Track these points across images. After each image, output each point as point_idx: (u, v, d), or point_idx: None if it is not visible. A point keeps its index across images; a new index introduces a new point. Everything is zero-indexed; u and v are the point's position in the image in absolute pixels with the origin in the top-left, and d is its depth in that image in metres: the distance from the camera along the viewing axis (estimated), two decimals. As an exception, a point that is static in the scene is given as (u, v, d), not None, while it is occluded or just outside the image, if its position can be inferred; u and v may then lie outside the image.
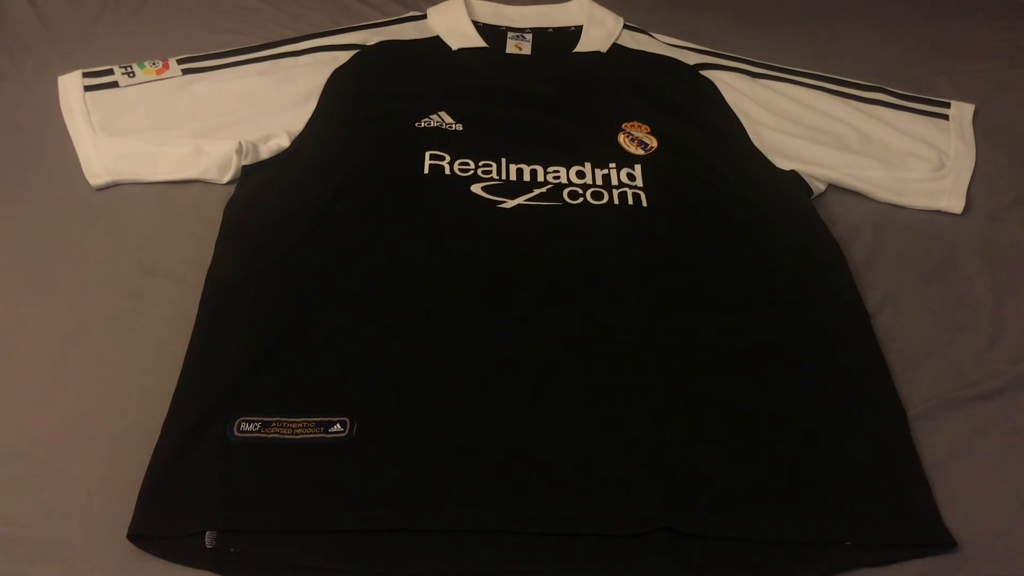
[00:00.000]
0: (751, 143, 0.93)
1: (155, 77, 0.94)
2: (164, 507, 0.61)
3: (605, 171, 0.88)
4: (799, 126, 0.95)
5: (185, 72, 0.95)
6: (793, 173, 0.90)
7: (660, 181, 0.88)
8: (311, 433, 0.65)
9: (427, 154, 0.88)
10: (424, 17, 1.04)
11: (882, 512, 0.64)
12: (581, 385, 0.70)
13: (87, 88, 0.93)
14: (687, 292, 0.78)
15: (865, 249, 0.86)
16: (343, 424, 0.66)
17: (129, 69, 0.95)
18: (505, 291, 0.76)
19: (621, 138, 0.92)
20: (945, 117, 1.00)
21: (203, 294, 0.75)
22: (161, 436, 0.65)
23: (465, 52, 1.00)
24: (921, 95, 1.02)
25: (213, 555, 0.60)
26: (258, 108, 0.91)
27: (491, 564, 0.61)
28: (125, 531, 0.61)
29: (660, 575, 0.62)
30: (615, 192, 0.86)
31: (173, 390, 0.68)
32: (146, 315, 0.76)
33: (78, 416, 0.68)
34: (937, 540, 0.63)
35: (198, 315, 0.73)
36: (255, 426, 0.65)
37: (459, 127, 0.91)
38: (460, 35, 1.01)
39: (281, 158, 0.87)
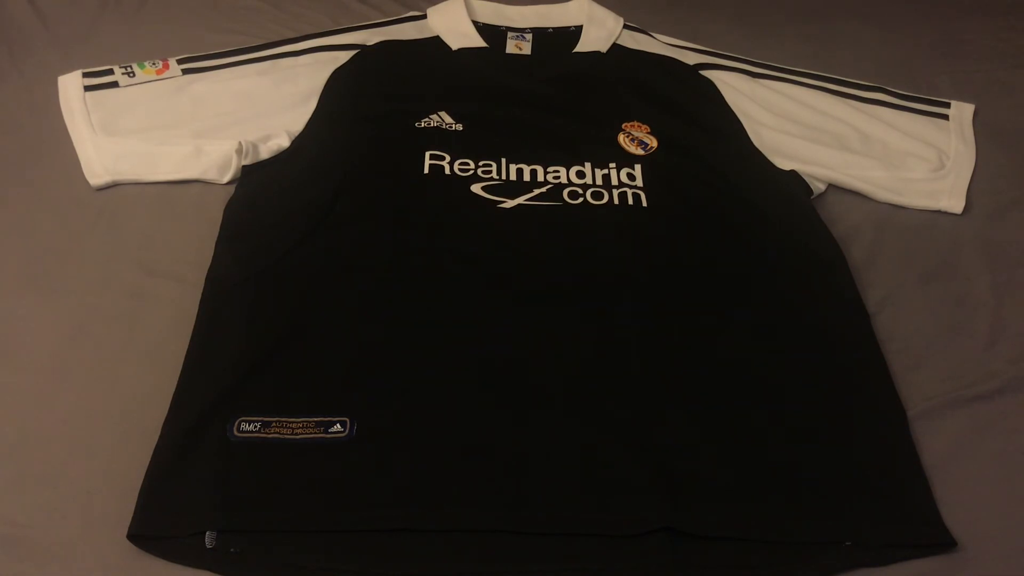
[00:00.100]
0: (751, 143, 0.93)
1: (155, 77, 0.94)
2: (164, 507, 0.61)
3: (605, 171, 0.88)
4: (799, 126, 0.95)
5: (185, 72, 0.95)
6: (793, 173, 0.90)
7: (660, 181, 0.88)
8: (311, 433, 0.65)
9: (427, 154, 0.88)
10: (424, 17, 1.04)
11: (882, 512, 0.64)
12: (581, 385, 0.70)
13: (87, 88, 0.93)
14: (687, 292, 0.78)
15: (865, 249, 0.86)
16: (343, 424, 0.66)
17: (129, 69, 0.95)
18: (505, 291, 0.76)
19: (621, 138, 0.92)
20: (945, 117, 1.00)
21: (203, 294, 0.75)
22: (161, 436, 0.65)
23: (465, 52, 1.00)
24: (921, 95, 1.02)
25: (213, 555, 0.60)
26: (258, 108, 0.91)
27: (491, 564, 0.61)
28: (125, 531, 0.61)
29: (660, 575, 0.61)
30: (615, 192, 0.86)
31: (173, 390, 0.68)
32: (146, 315, 0.76)
33: (78, 416, 0.68)
34: (937, 540, 0.63)
35: (198, 315, 0.73)
36: (255, 426, 0.65)
37: (459, 127, 0.91)
38: (460, 35, 1.01)
39: (281, 158, 0.87)
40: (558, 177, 0.87)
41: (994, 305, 0.82)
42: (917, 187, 0.92)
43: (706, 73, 1.00)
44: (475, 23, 1.03)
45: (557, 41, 1.03)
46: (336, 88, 0.94)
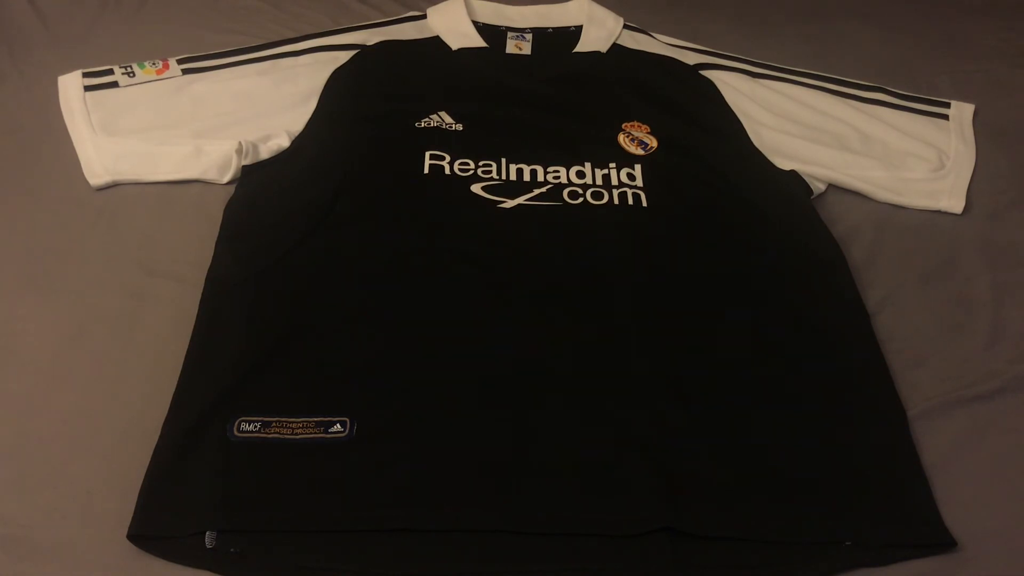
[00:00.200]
0: (751, 143, 0.93)
1: (155, 77, 0.94)
2: (164, 507, 0.61)
3: (605, 171, 0.88)
4: (799, 126, 0.95)
5: (185, 72, 0.95)
6: (793, 173, 0.90)
7: (660, 181, 0.88)
8: (311, 433, 0.65)
9: (427, 154, 0.88)
10: (424, 17, 1.04)
11: (882, 512, 0.64)
12: (581, 385, 0.70)
13: (87, 88, 0.93)
14: (687, 292, 0.78)
15: (865, 249, 0.86)
16: (343, 424, 0.66)
17: (129, 69, 0.95)
18: (505, 291, 0.76)
19: (621, 138, 0.92)
20: (945, 117, 1.00)
21: (203, 294, 0.75)
22: (161, 436, 0.65)
23: (465, 52, 1.00)
24: (921, 95, 1.02)
25: (213, 555, 0.60)
26: (258, 108, 0.91)
27: (491, 564, 0.61)
28: (125, 531, 0.61)
29: (660, 575, 0.61)
30: (615, 192, 0.86)
31: (173, 390, 0.68)
32: (146, 315, 0.76)
33: (78, 416, 0.68)
34: (937, 540, 0.63)
35: (198, 315, 0.73)
36: (255, 426, 0.65)
37: (459, 127, 0.91)
38: (460, 35, 1.01)
39: (281, 158, 0.87)
40: (558, 177, 0.87)
41: (994, 305, 0.82)
42: (917, 187, 0.92)
43: (706, 73, 1.00)
44: (475, 23, 1.03)
45: (557, 41, 1.03)
46: (336, 88, 0.94)
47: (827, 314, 0.77)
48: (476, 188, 0.85)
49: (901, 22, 1.19)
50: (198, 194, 0.87)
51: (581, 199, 0.85)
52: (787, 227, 0.85)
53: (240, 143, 0.86)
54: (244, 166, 0.86)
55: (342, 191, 0.83)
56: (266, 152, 0.87)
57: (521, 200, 0.85)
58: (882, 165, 0.93)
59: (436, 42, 1.01)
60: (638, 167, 0.89)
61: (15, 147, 0.91)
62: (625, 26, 1.05)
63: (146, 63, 0.96)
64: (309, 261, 0.77)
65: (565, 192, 0.86)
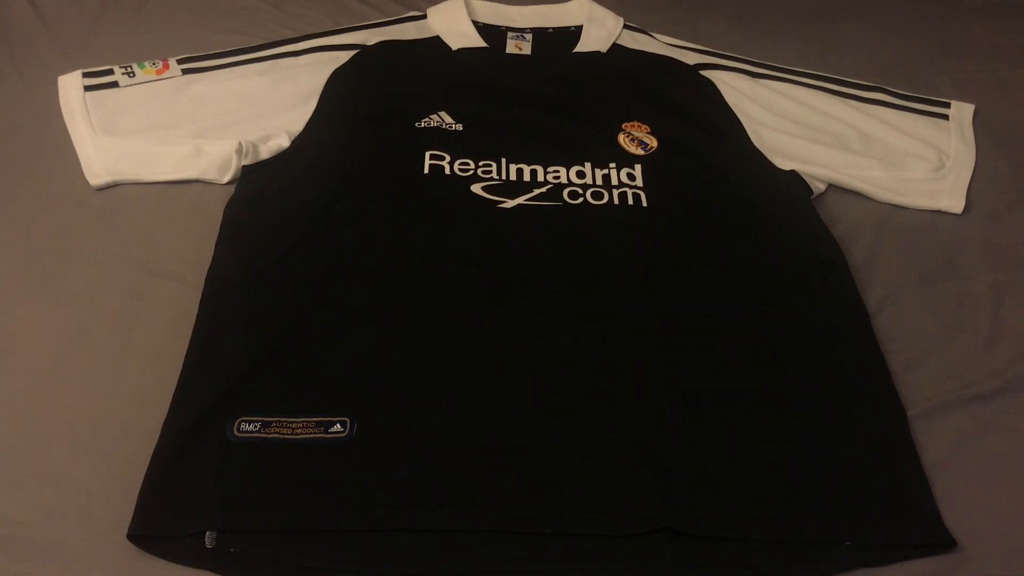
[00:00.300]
0: (751, 143, 0.93)
1: (155, 77, 0.94)
2: (164, 507, 0.61)
3: (605, 171, 0.88)
4: (799, 126, 0.95)
5: (185, 72, 0.95)
6: (793, 173, 0.90)
7: (660, 181, 0.88)
8: (311, 433, 0.65)
9: (427, 154, 0.88)
10: (424, 17, 1.04)
11: (882, 512, 0.64)
12: (581, 385, 0.70)
13: (87, 88, 0.93)
14: (687, 292, 0.78)
15: (865, 249, 0.86)
16: (343, 424, 0.66)
17: (129, 69, 0.95)
18: (505, 291, 0.76)
19: (621, 138, 0.92)
20: (945, 117, 1.00)
21: (203, 294, 0.75)
22: (161, 436, 0.65)
23: (465, 52, 1.00)
24: (921, 95, 1.02)
25: (213, 555, 0.60)
26: (258, 108, 0.91)
27: (491, 564, 0.61)
28: (125, 531, 0.61)
29: (660, 575, 0.61)
30: (615, 192, 0.86)
31: (173, 390, 0.68)
32: (146, 315, 0.76)
33: (78, 416, 0.68)
34: (937, 540, 0.63)
35: (198, 315, 0.73)
36: (255, 426, 0.65)
37: (459, 127, 0.91)
38: (460, 35, 1.01)
39: (281, 158, 0.87)
40: (558, 177, 0.87)
41: (994, 305, 0.82)
42: (917, 187, 0.92)
43: (706, 73, 1.00)
44: (475, 23, 1.03)
45: (557, 41, 1.03)
46: (336, 88, 0.94)
47: (827, 314, 0.77)
48: (476, 188, 0.85)
49: (901, 22, 1.18)
50: (198, 194, 0.87)
51: (581, 199, 0.85)
52: (787, 227, 0.85)
53: (240, 143, 0.86)
54: (244, 166, 0.86)
55: (342, 191, 0.83)
56: (266, 152, 0.87)
57: (521, 200, 0.85)
58: (882, 165, 0.93)
59: (436, 42, 1.01)
60: (638, 167, 0.89)
61: (15, 147, 0.91)
62: (625, 26, 1.05)
63: (146, 63, 0.96)
64: (309, 261, 0.77)
65: (565, 192, 0.86)
